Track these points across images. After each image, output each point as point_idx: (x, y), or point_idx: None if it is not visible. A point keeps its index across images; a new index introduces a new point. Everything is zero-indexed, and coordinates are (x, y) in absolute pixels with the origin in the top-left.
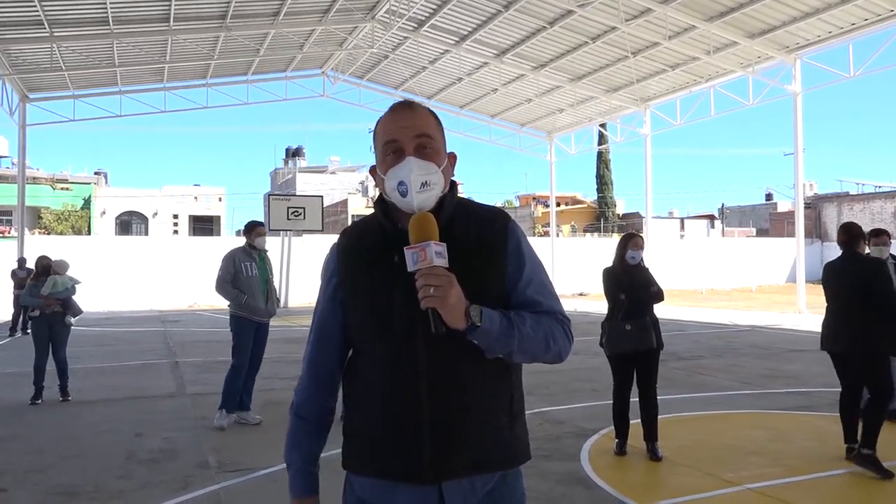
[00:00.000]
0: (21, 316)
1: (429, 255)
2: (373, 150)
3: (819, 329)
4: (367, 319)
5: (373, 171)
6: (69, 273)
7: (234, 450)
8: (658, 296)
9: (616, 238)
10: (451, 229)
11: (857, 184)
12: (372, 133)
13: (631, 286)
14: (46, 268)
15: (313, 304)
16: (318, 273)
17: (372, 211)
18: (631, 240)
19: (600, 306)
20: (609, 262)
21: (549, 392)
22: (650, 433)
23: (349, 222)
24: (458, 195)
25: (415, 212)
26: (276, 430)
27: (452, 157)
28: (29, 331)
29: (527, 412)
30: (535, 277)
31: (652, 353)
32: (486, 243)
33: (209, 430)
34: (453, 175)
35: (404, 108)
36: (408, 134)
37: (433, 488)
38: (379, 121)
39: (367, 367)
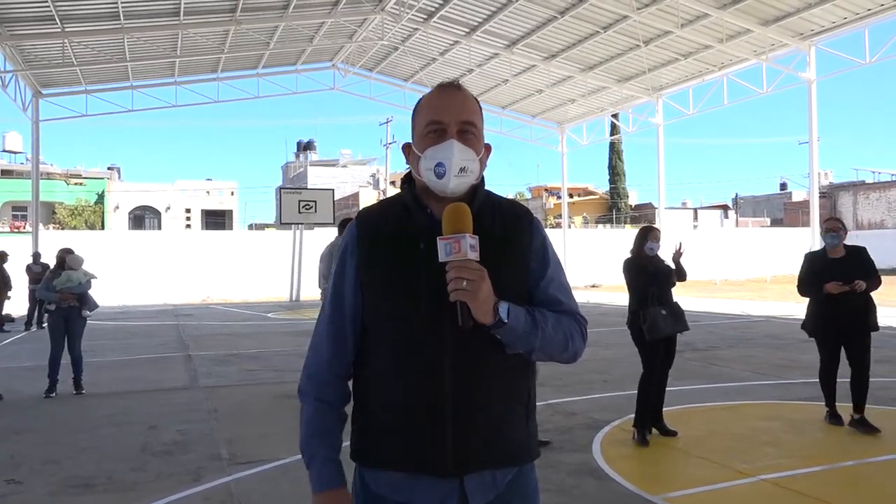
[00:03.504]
0: (37, 310)
1: (463, 248)
2: (383, 143)
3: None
4: (388, 306)
5: (407, 147)
6: (84, 268)
7: (247, 442)
8: (681, 276)
9: (629, 229)
10: (479, 222)
11: (874, 172)
12: (387, 126)
13: (656, 274)
14: (63, 261)
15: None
16: None
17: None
18: (651, 232)
19: (613, 298)
20: (619, 254)
21: (561, 383)
22: (660, 413)
23: None
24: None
25: (447, 195)
26: (288, 422)
27: (488, 148)
28: (44, 325)
29: (539, 403)
30: (556, 276)
31: (676, 336)
32: (512, 239)
33: (222, 423)
34: (486, 166)
35: (453, 89)
36: (454, 117)
37: (454, 481)
38: (423, 98)
39: (385, 355)
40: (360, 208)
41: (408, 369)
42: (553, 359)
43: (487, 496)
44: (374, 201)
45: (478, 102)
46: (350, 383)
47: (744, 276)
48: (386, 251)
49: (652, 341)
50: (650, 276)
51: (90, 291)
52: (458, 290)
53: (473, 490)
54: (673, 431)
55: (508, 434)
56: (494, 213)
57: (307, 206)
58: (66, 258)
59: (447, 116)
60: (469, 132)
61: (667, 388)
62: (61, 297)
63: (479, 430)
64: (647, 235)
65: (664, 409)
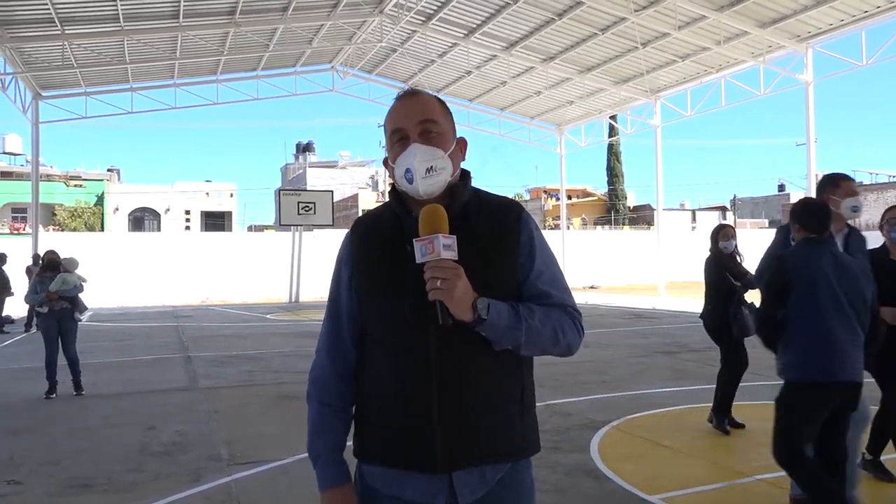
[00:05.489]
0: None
1: (436, 248)
2: (382, 145)
3: None
4: (379, 308)
5: (385, 161)
6: (77, 271)
7: (246, 442)
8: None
9: (627, 230)
10: (464, 219)
11: (871, 173)
12: (382, 125)
13: (736, 273)
14: (53, 263)
15: (325, 299)
16: (329, 267)
17: (385, 201)
18: (722, 230)
19: (611, 299)
20: (617, 255)
21: (558, 384)
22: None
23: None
24: (472, 186)
25: (421, 197)
26: (287, 423)
27: (462, 142)
28: (34, 328)
29: (537, 404)
30: (546, 270)
31: None
32: (499, 234)
33: (221, 423)
34: (464, 159)
35: (408, 96)
36: (412, 121)
37: (443, 477)
38: (388, 111)
39: (378, 356)
40: (361, 210)
41: (398, 368)
42: (546, 353)
43: (476, 493)
44: (373, 202)
45: (440, 101)
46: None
47: None
48: (377, 255)
49: (743, 341)
50: (734, 275)
51: (80, 294)
52: (434, 290)
53: (462, 486)
54: (741, 424)
55: (498, 431)
56: (481, 210)
57: (306, 208)
58: (63, 261)
59: (406, 122)
60: (431, 131)
61: (664, 389)
62: (46, 296)
63: (466, 428)
64: (719, 234)
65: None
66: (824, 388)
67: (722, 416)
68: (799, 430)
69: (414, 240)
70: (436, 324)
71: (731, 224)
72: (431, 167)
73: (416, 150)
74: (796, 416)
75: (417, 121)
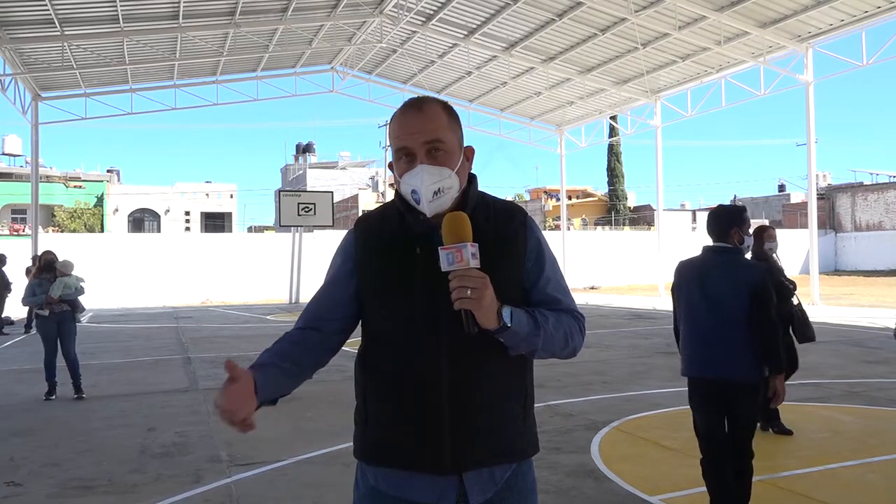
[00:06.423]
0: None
1: (465, 257)
2: (382, 145)
3: (832, 321)
4: (387, 311)
5: (391, 166)
6: (74, 272)
7: (246, 444)
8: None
9: (628, 231)
10: (472, 224)
11: (871, 174)
12: (386, 128)
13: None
14: (50, 264)
15: None
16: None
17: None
18: (765, 232)
19: (612, 300)
20: (618, 256)
21: (560, 385)
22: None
23: None
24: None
25: (429, 217)
26: (287, 425)
27: (469, 152)
28: (34, 329)
29: (538, 405)
30: (553, 276)
31: None
32: (506, 240)
33: (221, 425)
34: (471, 168)
35: (414, 111)
36: (418, 140)
37: (453, 478)
38: (392, 118)
39: (385, 357)
40: (361, 211)
41: (406, 371)
42: (554, 356)
43: (486, 493)
44: (374, 203)
45: (447, 112)
46: (322, 358)
47: None
48: (384, 257)
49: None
50: (782, 275)
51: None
52: (462, 299)
53: (472, 487)
54: (789, 430)
55: (505, 432)
56: (488, 214)
57: (306, 209)
58: (58, 264)
59: (412, 141)
60: (438, 150)
61: (665, 390)
62: (47, 299)
63: (476, 430)
64: (763, 235)
65: None
66: (693, 381)
67: (776, 421)
68: (695, 418)
69: (440, 248)
70: (449, 326)
71: (772, 227)
72: (439, 189)
73: (423, 174)
74: (691, 405)
75: (423, 140)
